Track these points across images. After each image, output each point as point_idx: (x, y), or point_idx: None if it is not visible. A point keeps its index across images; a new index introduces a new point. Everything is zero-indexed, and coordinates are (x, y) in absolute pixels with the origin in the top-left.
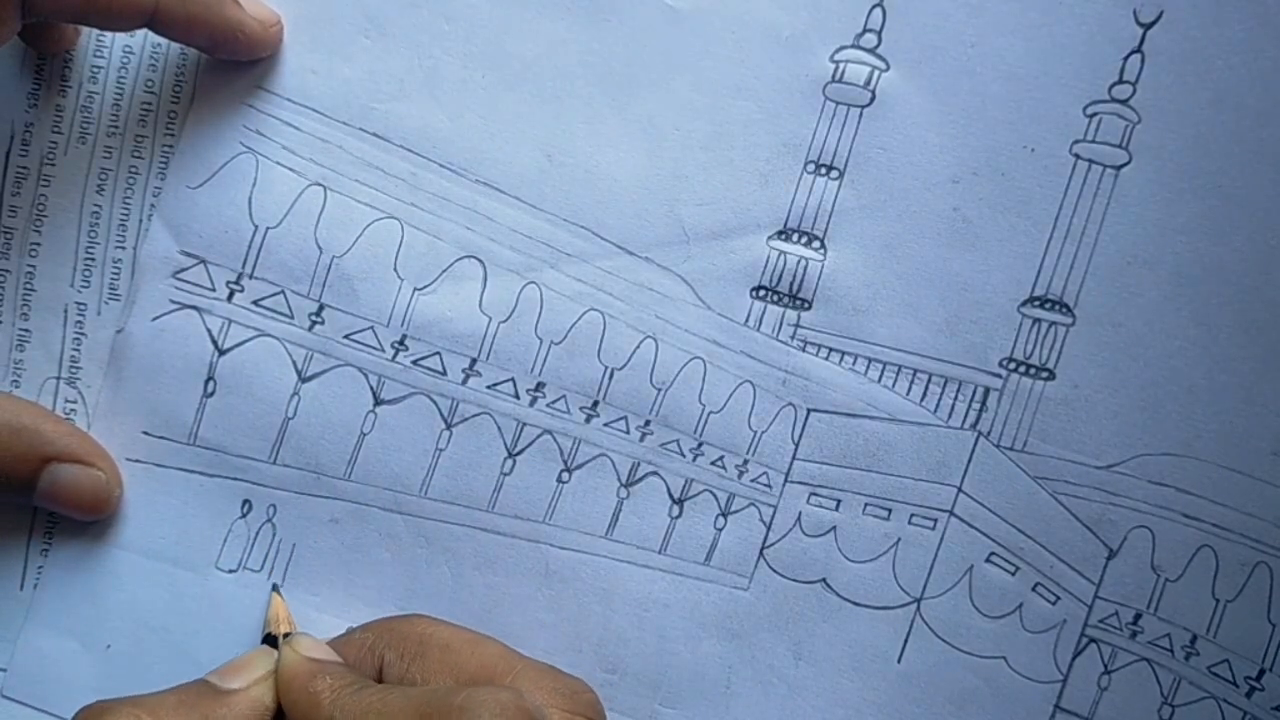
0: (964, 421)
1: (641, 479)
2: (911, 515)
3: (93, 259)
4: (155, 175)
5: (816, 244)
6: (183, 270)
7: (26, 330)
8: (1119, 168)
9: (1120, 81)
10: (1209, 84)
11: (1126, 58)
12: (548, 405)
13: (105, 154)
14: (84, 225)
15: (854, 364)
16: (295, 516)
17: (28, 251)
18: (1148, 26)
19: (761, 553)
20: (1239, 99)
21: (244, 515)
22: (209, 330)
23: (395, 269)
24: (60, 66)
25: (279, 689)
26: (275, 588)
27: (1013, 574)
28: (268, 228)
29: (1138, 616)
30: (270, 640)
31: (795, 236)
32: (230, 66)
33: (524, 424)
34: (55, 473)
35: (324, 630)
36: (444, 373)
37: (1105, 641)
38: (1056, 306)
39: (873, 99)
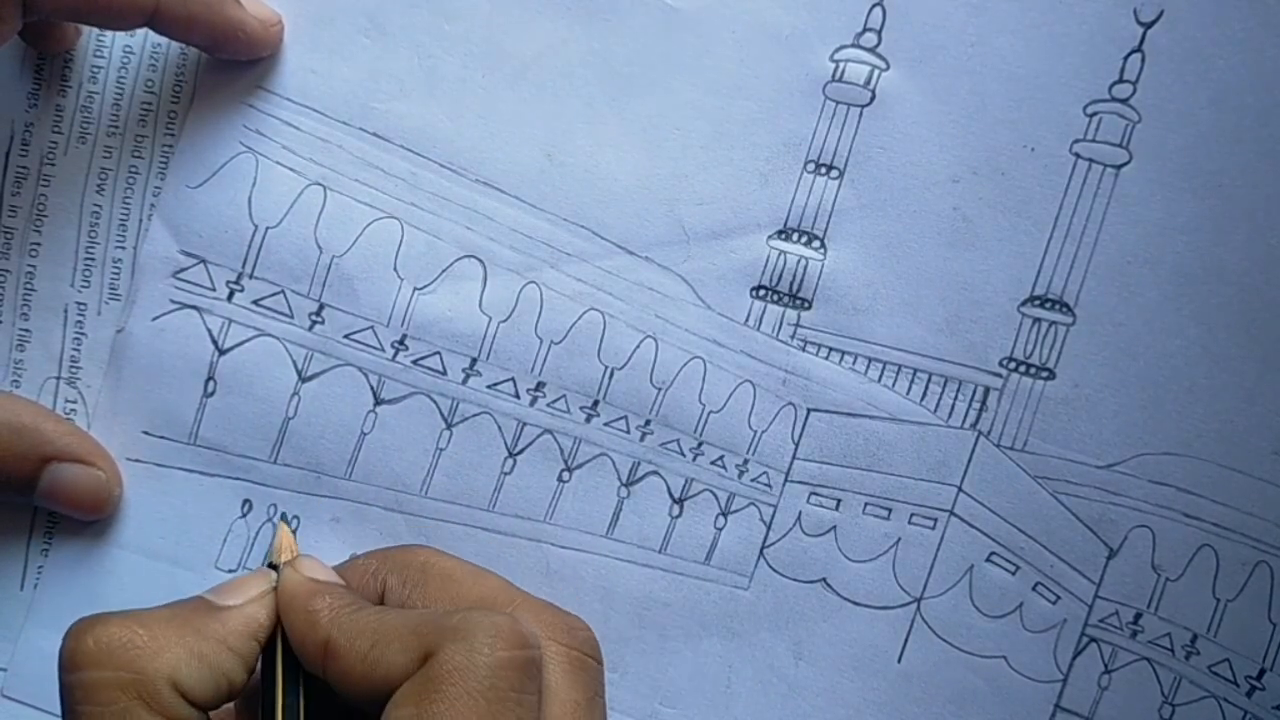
0: (964, 421)
1: (642, 478)
2: (912, 515)
3: (93, 259)
4: (155, 175)
5: (816, 243)
6: (183, 270)
7: (26, 330)
8: (1119, 167)
9: (1120, 81)
10: (1209, 83)
11: (1127, 57)
12: (548, 405)
13: (105, 154)
14: (84, 225)
15: (854, 363)
16: (296, 516)
17: (28, 251)
18: (1148, 26)
19: (762, 552)
20: (1239, 98)
21: (244, 515)
22: (209, 330)
23: (395, 268)
24: (60, 66)
25: (279, 606)
26: (284, 517)
27: (1013, 573)
28: (268, 227)
29: (1138, 616)
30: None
31: (795, 236)
32: (230, 66)
33: (524, 423)
34: (55, 472)
35: None
36: (444, 372)
37: (1106, 641)
38: (1057, 306)
39: (873, 98)
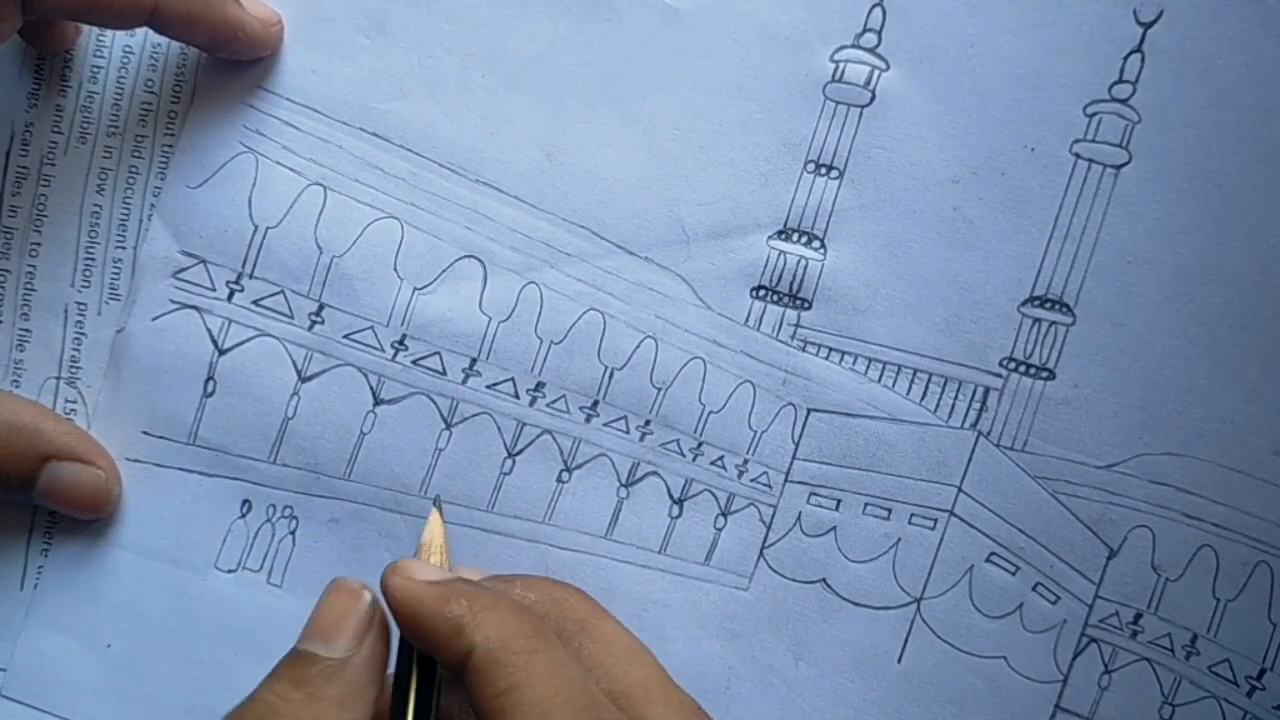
0: (964, 421)
1: (641, 479)
2: (911, 515)
3: (93, 259)
4: (155, 175)
5: (816, 244)
6: (183, 270)
7: (26, 330)
8: (1119, 167)
9: (1120, 81)
10: (1209, 83)
11: (1126, 57)
12: (547, 405)
13: (105, 154)
14: (84, 225)
15: (854, 364)
16: (295, 516)
17: (28, 251)
18: (1148, 26)
19: (761, 553)
20: (1239, 98)
21: (243, 515)
22: (209, 330)
23: (395, 269)
24: (60, 66)
25: (402, 622)
26: (437, 501)
27: (1013, 574)
28: (268, 227)
29: (1138, 616)
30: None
31: (795, 236)
32: (230, 66)
33: (524, 424)
34: (55, 471)
35: None
36: (444, 372)
37: (1106, 641)
38: (1057, 306)
39: (873, 99)
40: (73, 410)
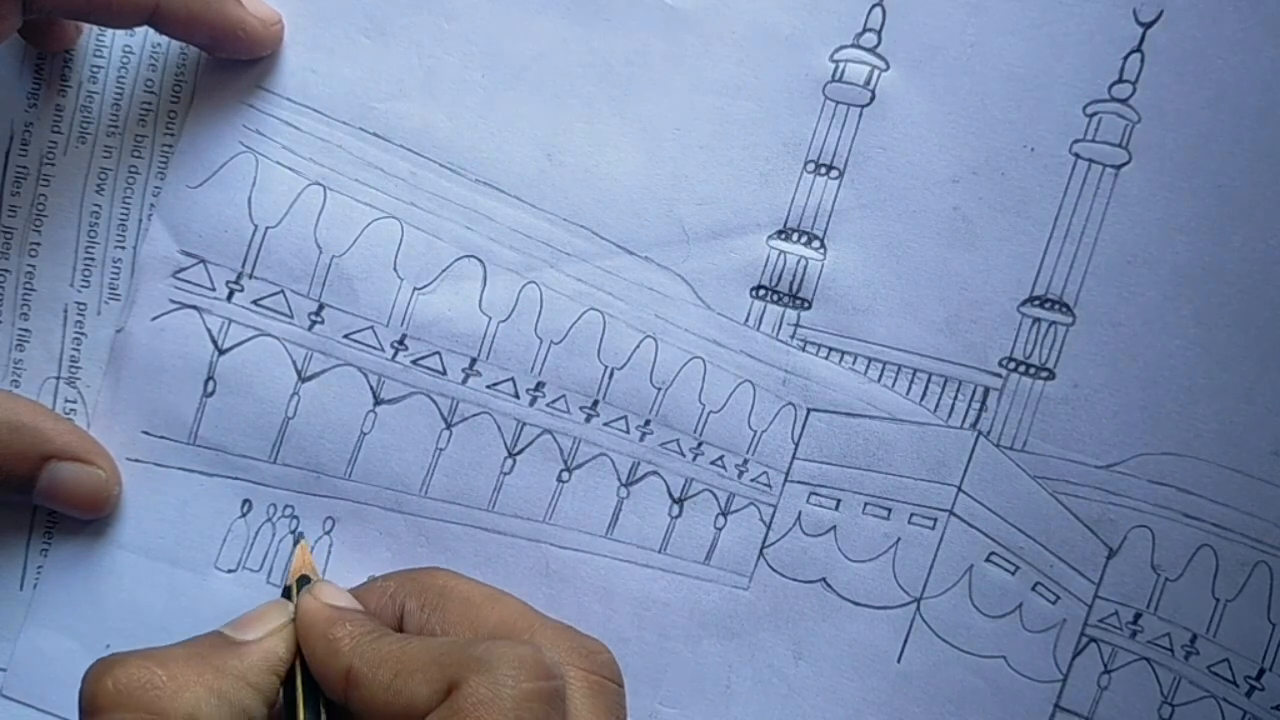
0: (964, 421)
1: (641, 478)
2: (911, 515)
3: (93, 259)
4: (155, 175)
5: (816, 243)
6: (183, 270)
7: (26, 330)
8: (1119, 167)
9: (1120, 81)
10: (1209, 83)
11: (1126, 57)
12: (547, 405)
13: (105, 154)
14: (84, 225)
15: (854, 363)
16: (296, 516)
17: (28, 251)
18: (1147, 26)
19: (761, 552)
20: (1239, 98)
21: (244, 515)
22: (209, 330)
23: (395, 268)
24: (60, 66)
25: (299, 634)
26: (300, 537)
27: (1012, 573)
28: (267, 227)
29: (1138, 616)
30: (289, 594)
31: (795, 236)
32: (230, 66)
33: (524, 423)
34: (55, 471)
35: None
36: (444, 372)
37: (1105, 641)
38: (1056, 306)
39: (872, 98)
40: (72, 410)
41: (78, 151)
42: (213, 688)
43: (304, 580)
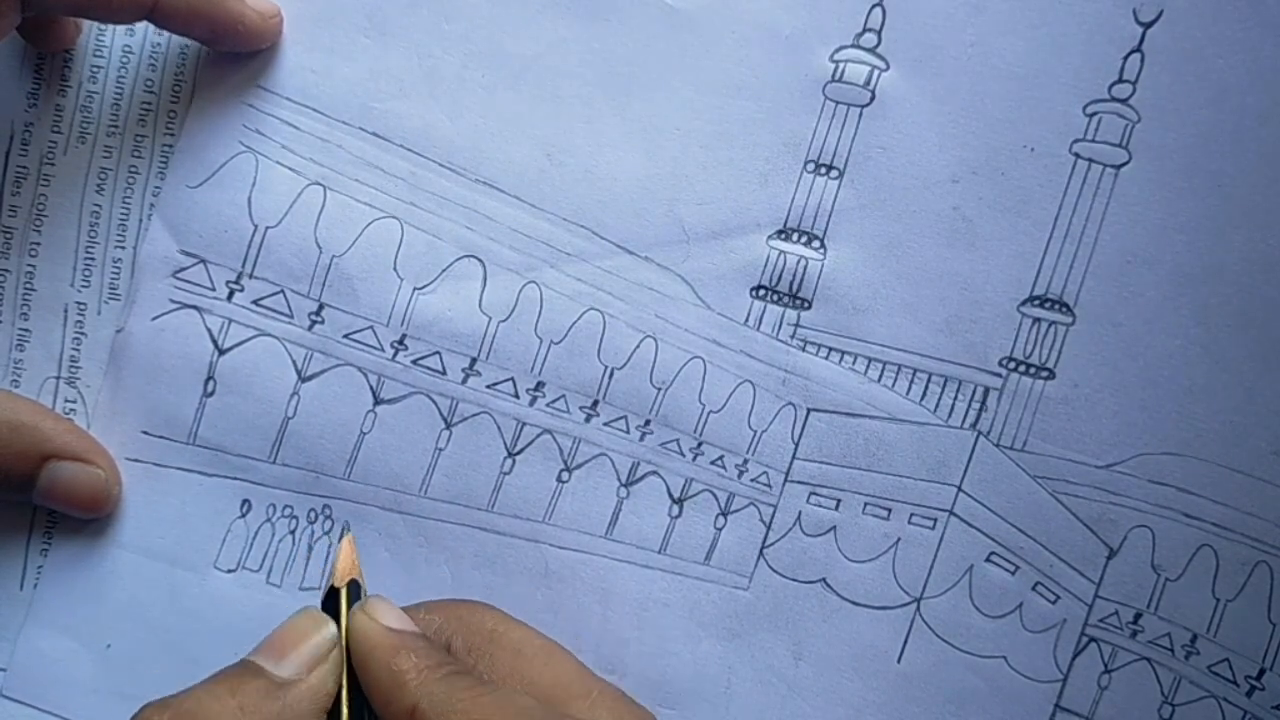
0: (964, 421)
1: (641, 478)
2: (911, 515)
3: (93, 259)
4: (155, 175)
5: (816, 243)
6: (183, 270)
7: (26, 330)
8: (1119, 167)
9: (1120, 81)
10: (1209, 83)
11: (1126, 57)
12: (547, 405)
13: (105, 154)
14: (84, 225)
15: (854, 363)
16: (295, 516)
17: (28, 251)
18: (1147, 26)
19: (761, 552)
20: (1239, 98)
21: (243, 515)
22: (209, 330)
23: (395, 268)
24: (60, 65)
25: (356, 660)
26: (346, 529)
27: (1013, 573)
28: (267, 227)
29: (1138, 616)
30: (327, 604)
31: (795, 236)
32: (230, 65)
33: (524, 423)
34: (55, 470)
35: None
36: (444, 372)
37: (1105, 641)
38: (1056, 306)
39: (872, 98)
40: (72, 410)
41: (78, 151)
42: None
43: (352, 585)
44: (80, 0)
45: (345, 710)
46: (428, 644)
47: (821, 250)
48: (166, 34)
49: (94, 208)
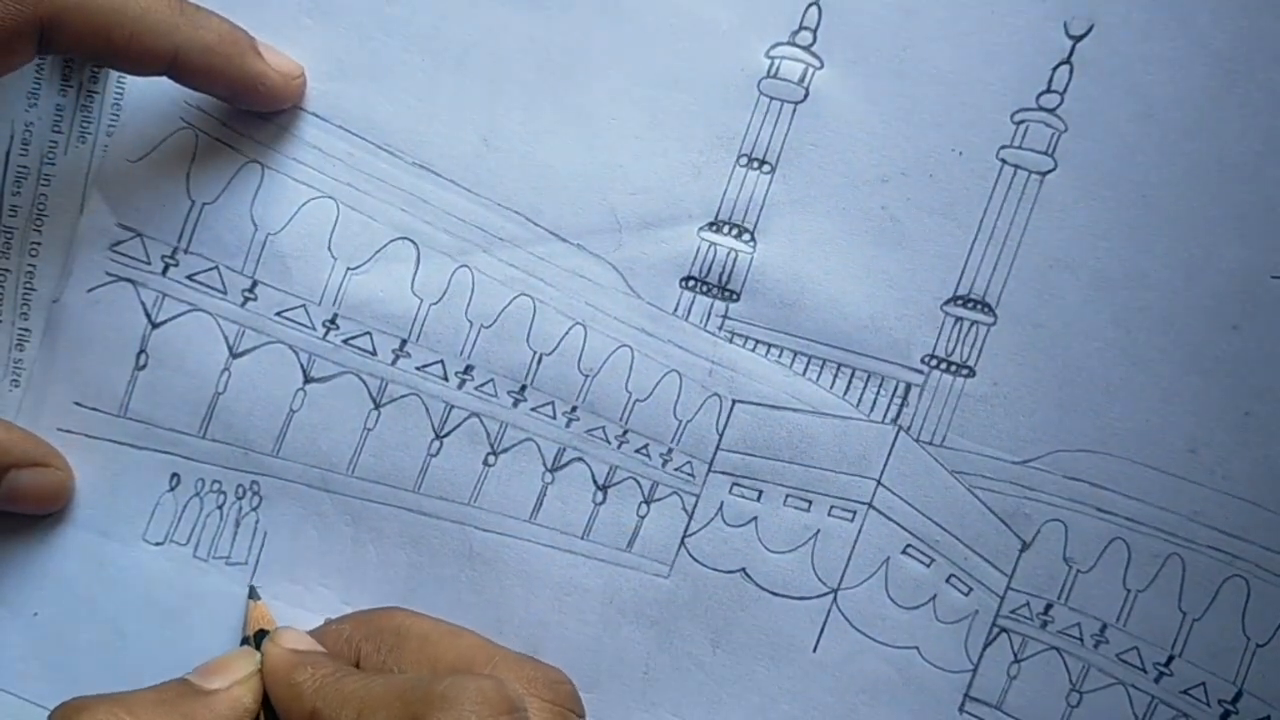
0: (885, 416)
1: (566, 464)
2: (831, 507)
3: None
4: None
5: (747, 236)
6: (119, 243)
7: (26, 330)
8: (1044, 174)
9: (1049, 91)
10: (1136, 97)
11: (1056, 68)
12: (476, 388)
13: (105, 154)
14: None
15: (780, 356)
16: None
17: (28, 251)
18: (1078, 39)
19: (683, 541)
20: (1165, 113)
21: (172, 489)
22: (143, 303)
23: (329, 248)
24: (60, 66)
25: (266, 683)
26: (253, 591)
27: (928, 566)
28: (204, 203)
29: (1049, 607)
30: (251, 642)
31: (726, 228)
32: None
33: (452, 406)
34: (14, 479)
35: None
36: (374, 353)
37: (1016, 631)
38: (979, 306)
39: (806, 96)
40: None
41: (78, 152)
42: None
43: (262, 634)
44: (98, 50)
45: None
46: (325, 658)
47: (751, 243)
48: None
49: None
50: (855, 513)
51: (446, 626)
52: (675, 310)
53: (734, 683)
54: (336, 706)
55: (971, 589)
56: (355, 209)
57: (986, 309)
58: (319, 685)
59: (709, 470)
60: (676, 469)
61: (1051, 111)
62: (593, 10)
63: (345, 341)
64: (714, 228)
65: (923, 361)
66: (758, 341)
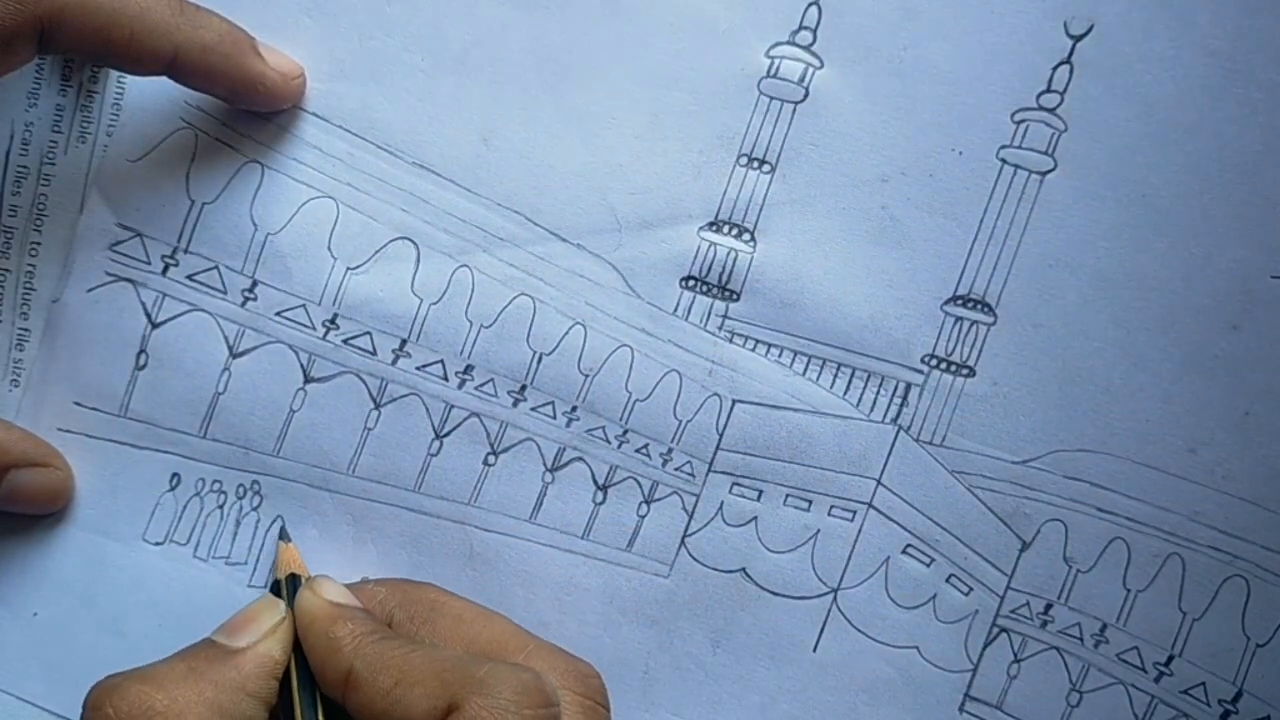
0: (885, 416)
1: (566, 464)
2: (831, 507)
3: None
4: None
5: (746, 236)
6: (119, 243)
7: (26, 330)
8: (1044, 174)
9: (1049, 90)
10: (1136, 97)
11: (1056, 68)
12: (476, 388)
13: (105, 154)
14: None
15: (780, 356)
16: (224, 491)
17: (28, 251)
18: (1078, 39)
19: (683, 541)
20: (1165, 113)
21: (172, 489)
22: (143, 303)
23: (329, 248)
24: (60, 66)
25: (299, 631)
26: (284, 532)
27: (928, 565)
28: (204, 203)
29: (1049, 606)
30: (276, 589)
31: (726, 228)
32: None
33: (452, 406)
34: (15, 479)
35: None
36: (374, 353)
37: (1016, 631)
38: (979, 306)
39: (806, 95)
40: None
41: (78, 152)
42: (213, 704)
43: (293, 578)
44: (97, 49)
45: (294, 677)
46: (364, 614)
47: (751, 243)
48: None
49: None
50: (855, 512)
51: (479, 609)
52: (675, 310)
53: (734, 682)
54: (374, 670)
55: (971, 589)
56: (355, 209)
57: (986, 309)
58: (357, 644)
59: (709, 470)
60: (676, 469)
61: (1051, 111)
62: (592, 10)
63: (345, 341)
64: (714, 227)
65: (923, 361)
66: (758, 341)
